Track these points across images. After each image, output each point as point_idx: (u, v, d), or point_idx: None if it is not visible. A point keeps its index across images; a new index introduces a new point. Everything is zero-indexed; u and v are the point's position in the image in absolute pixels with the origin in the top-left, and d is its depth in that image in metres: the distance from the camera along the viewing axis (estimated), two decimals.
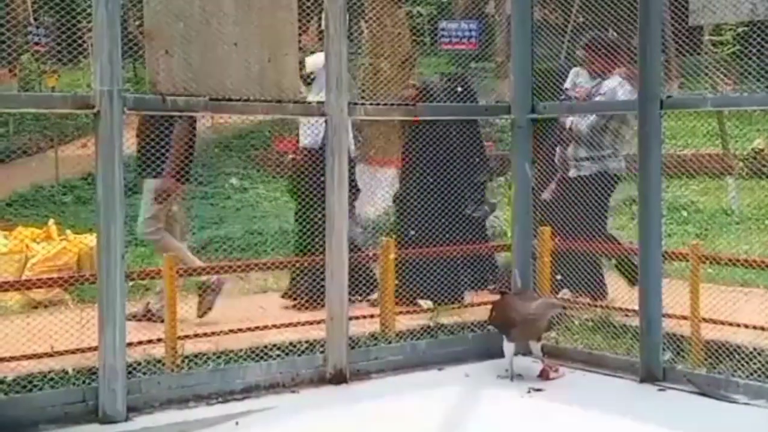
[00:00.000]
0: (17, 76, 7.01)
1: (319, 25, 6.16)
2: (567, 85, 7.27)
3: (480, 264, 7.49)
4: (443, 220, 7.05)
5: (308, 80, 7.32)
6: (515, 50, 6.58)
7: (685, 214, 10.51)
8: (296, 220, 7.32)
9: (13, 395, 4.99)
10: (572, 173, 7.25)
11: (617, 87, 7.11)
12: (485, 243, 7.76)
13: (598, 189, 6.82)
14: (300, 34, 5.99)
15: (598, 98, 7.11)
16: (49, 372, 5.31)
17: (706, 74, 6.13)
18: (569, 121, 7.20)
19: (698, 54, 6.79)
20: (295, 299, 7.28)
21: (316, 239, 6.24)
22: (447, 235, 7.00)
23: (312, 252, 6.62)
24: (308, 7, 6.12)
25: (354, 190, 7.32)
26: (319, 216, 6.31)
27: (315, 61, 7.04)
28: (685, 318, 5.93)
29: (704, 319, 5.91)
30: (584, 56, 7.40)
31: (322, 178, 6.35)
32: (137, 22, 5.70)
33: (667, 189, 5.97)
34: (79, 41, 5.83)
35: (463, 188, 7.36)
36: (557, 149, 7.40)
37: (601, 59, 7.24)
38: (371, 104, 6.23)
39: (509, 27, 6.74)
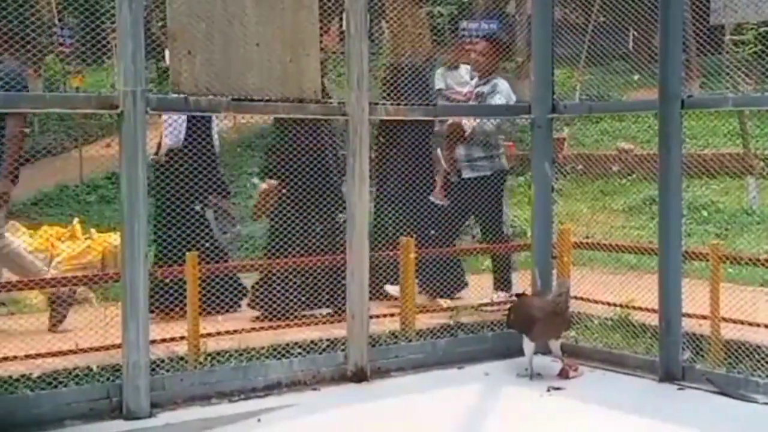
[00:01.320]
0: (42, 76, 7.09)
1: (340, 26, 6.19)
2: (439, 85, 7.25)
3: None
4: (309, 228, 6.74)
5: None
6: (535, 50, 6.59)
7: (705, 213, 10.49)
8: (155, 225, 6.73)
9: (39, 391, 5.05)
10: (468, 174, 7.31)
11: (509, 88, 7.22)
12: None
13: (497, 187, 7.17)
14: (321, 35, 6.01)
15: (497, 97, 7.09)
16: (74, 369, 5.37)
17: (727, 74, 6.12)
18: (467, 122, 7.20)
19: (719, 53, 6.79)
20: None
21: (179, 247, 6.07)
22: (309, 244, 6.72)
23: (170, 263, 6.22)
24: (329, 8, 6.15)
25: (224, 192, 7.13)
26: (185, 221, 6.26)
27: None
28: (704, 317, 5.93)
29: (724, 319, 5.91)
30: (483, 50, 7.35)
31: (186, 180, 6.36)
32: (160, 23, 5.75)
33: (687, 189, 5.95)
34: (103, 42, 5.91)
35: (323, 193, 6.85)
36: (436, 151, 7.47)
37: (495, 58, 7.27)
38: (392, 104, 6.26)
39: (530, 27, 6.74)
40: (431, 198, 7.42)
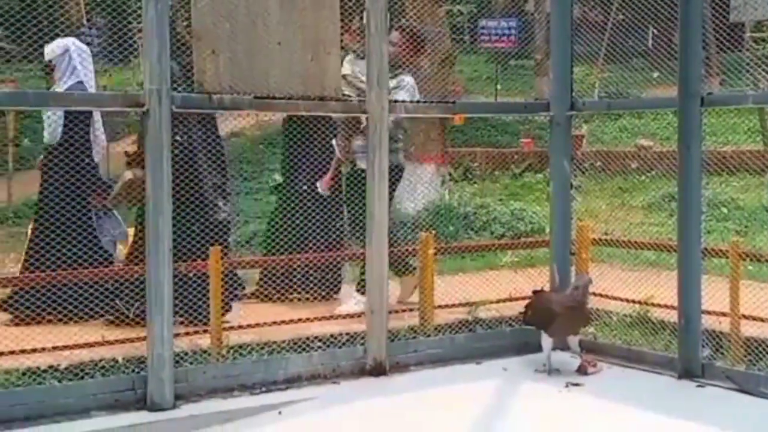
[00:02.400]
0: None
1: (361, 24, 6.24)
2: (345, 71, 6.78)
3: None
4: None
5: (47, 70, 6.87)
6: (554, 48, 6.62)
7: (725, 210, 10.47)
8: (36, 225, 6.56)
9: (66, 382, 5.16)
10: (364, 165, 6.63)
11: (414, 83, 6.97)
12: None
13: (392, 180, 6.72)
14: (342, 33, 6.07)
15: (400, 93, 6.78)
16: (100, 360, 5.48)
17: (748, 71, 6.13)
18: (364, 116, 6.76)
19: (739, 51, 6.80)
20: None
21: (59, 247, 5.96)
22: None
23: (43, 267, 6.04)
24: (350, 7, 6.22)
25: (105, 193, 6.76)
26: (68, 220, 6.10)
27: (51, 48, 6.63)
28: (724, 315, 5.94)
29: (744, 316, 5.92)
30: (395, 41, 6.99)
31: (66, 176, 6.27)
32: (185, 23, 5.83)
33: (707, 186, 5.95)
34: (130, 41, 6.00)
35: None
36: (335, 141, 7.30)
37: (407, 51, 6.99)
38: (411, 102, 6.31)
39: (548, 25, 6.77)
40: (317, 186, 7.32)
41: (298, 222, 7.03)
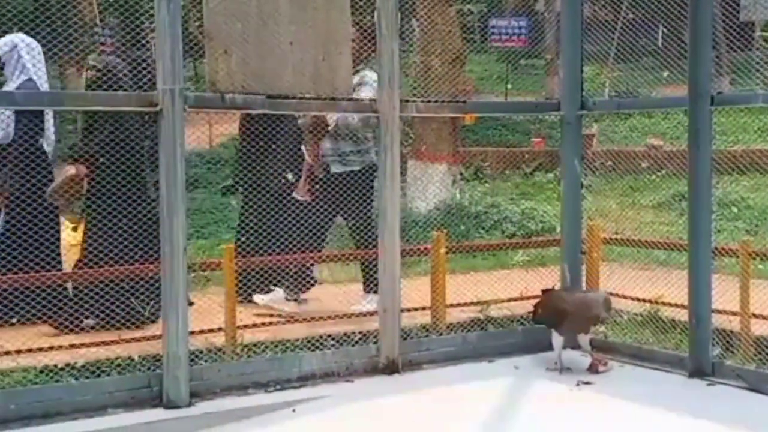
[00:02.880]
0: (84, 75, 7.21)
1: (372, 24, 6.27)
2: None
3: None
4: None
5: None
6: (565, 47, 6.64)
7: (735, 210, 10.47)
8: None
9: (83, 380, 5.22)
10: (337, 168, 7.00)
11: (376, 79, 6.45)
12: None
13: (366, 182, 6.91)
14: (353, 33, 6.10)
15: (365, 90, 6.67)
16: (116, 358, 5.53)
17: (758, 70, 6.14)
18: (333, 116, 6.82)
19: (749, 50, 6.80)
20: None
21: (29, 248, 5.88)
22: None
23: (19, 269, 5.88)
24: (361, 6, 6.25)
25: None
26: (30, 221, 6.03)
27: None
28: (734, 314, 5.96)
29: (754, 315, 5.94)
30: (355, 38, 6.68)
31: (21, 174, 6.22)
32: (197, 23, 5.87)
33: (717, 185, 5.98)
34: (143, 41, 6.04)
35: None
36: (303, 146, 7.21)
37: (363, 46, 6.72)
38: (423, 101, 6.34)
39: (559, 24, 6.79)
40: (294, 195, 7.21)
41: (263, 226, 6.74)
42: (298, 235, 6.84)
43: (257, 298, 6.91)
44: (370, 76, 6.74)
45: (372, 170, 6.91)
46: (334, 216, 7.08)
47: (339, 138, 6.99)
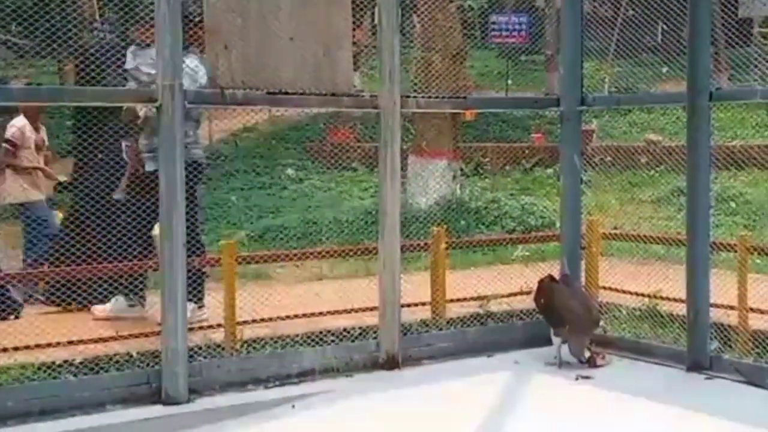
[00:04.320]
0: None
1: (373, 20, 6.27)
2: (129, 65, 6.40)
3: None
4: None
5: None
6: (565, 43, 6.64)
7: (733, 205, 10.50)
8: None
9: (82, 377, 5.21)
10: (150, 167, 6.30)
11: (199, 65, 6.31)
12: None
13: (188, 179, 6.01)
14: (354, 29, 6.10)
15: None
16: (115, 355, 5.54)
17: (756, 66, 6.14)
18: (142, 109, 6.33)
19: (748, 46, 6.81)
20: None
21: None
22: None
23: None
24: (361, 2, 6.26)
25: None
26: None
27: None
28: (732, 308, 5.99)
29: (751, 309, 5.96)
30: None
31: None
32: (197, 19, 5.86)
33: (715, 180, 5.99)
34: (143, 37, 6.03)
35: None
36: (123, 143, 6.73)
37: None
38: (423, 97, 6.35)
39: (559, 20, 6.80)
40: (114, 195, 6.75)
41: (91, 227, 6.41)
42: (121, 239, 6.35)
43: (96, 309, 6.46)
44: (190, 62, 6.26)
45: (194, 168, 6.28)
46: (155, 218, 6.20)
47: (154, 132, 6.23)
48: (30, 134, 7.77)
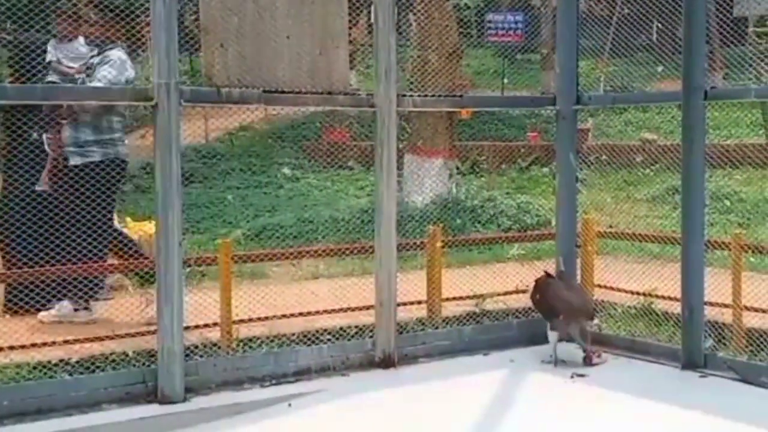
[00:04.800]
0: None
1: (369, 18, 6.28)
2: (50, 58, 6.32)
3: None
4: None
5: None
6: (560, 42, 6.65)
7: (728, 203, 10.54)
8: None
9: (77, 376, 5.20)
10: (76, 160, 6.31)
11: (126, 59, 6.35)
12: None
13: (110, 176, 6.31)
14: (350, 28, 6.11)
15: (105, 69, 6.24)
16: (111, 354, 5.54)
17: (751, 65, 6.17)
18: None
19: (742, 45, 6.82)
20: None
21: None
22: None
23: None
24: (358, 1, 6.26)
25: None
26: None
27: None
28: (726, 306, 6.00)
29: (746, 307, 5.98)
30: (94, 20, 6.42)
31: None
32: (193, 17, 5.87)
33: (710, 179, 6.01)
34: (138, 35, 6.04)
35: None
36: (45, 135, 6.54)
37: (109, 25, 6.34)
38: (419, 95, 6.36)
39: (555, 19, 6.80)
40: (36, 187, 6.55)
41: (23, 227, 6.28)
42: (48, 237, 6.09)
43: (43, 315, 6.32)
44: (115, 54, 6.31)
45: (117, 165, 6.29)
46: (103, 214, 6.31)
47: (79, 126, 6.34)
48: None
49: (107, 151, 6.39)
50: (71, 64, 6.33)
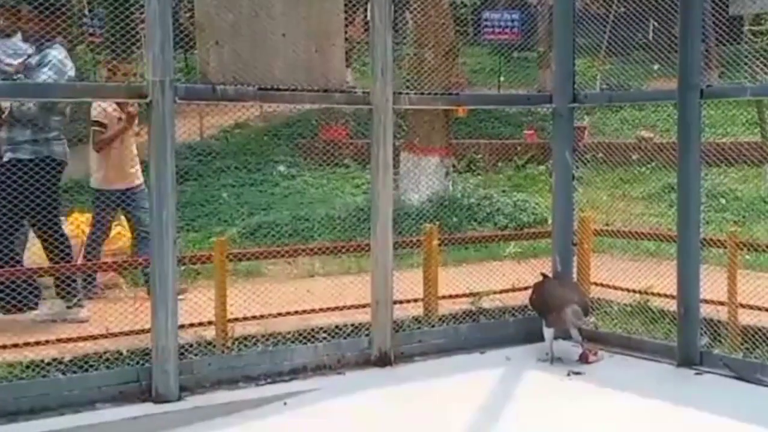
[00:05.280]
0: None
1: (365, 16, 6.27)
2: None
3: None
4: None
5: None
6: (557, 40, 6.65)
7: (723, 201, 10.55)
8: None
9: (71, 375, 5.16)
10: (7, 156, 6.32)
11: (65, 58, 6.29)
12: None
13: (43, 177, 6.15)
14: (346, 25, 6.10)
15: (44, 70, 6.15)
16: (105, 353, 5.52)
17: (746, 63, 6.17)
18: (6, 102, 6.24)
19: (738, 43, 6.83)
20: None
21: None
22: None
23: None
24: None
25: None
26: None
27: None
28: (722, 303, 6.01)
29: (741, 305, 5.99)
30: (27, 17, 6.25)
31: None
32: (188, 14, 5.85)
33: (705, 177, 6.01)
34: (133, 32, 6.02)
35: None
36: None
37: (43, 23, 6.15)
38: (416, 93, 6.34)
39: (551, 17, 6.80)
40: None
41: None
42: None
43: (35, 315, 6.32)
44: (54, 54, 6.23)
45: (49, 164, 6.23)
46: (17, 210, 6.22)
47: (15, 126, 6.33)
48: None
49: (38, 149, 6.32)
50: (10, 61, 6.21)
